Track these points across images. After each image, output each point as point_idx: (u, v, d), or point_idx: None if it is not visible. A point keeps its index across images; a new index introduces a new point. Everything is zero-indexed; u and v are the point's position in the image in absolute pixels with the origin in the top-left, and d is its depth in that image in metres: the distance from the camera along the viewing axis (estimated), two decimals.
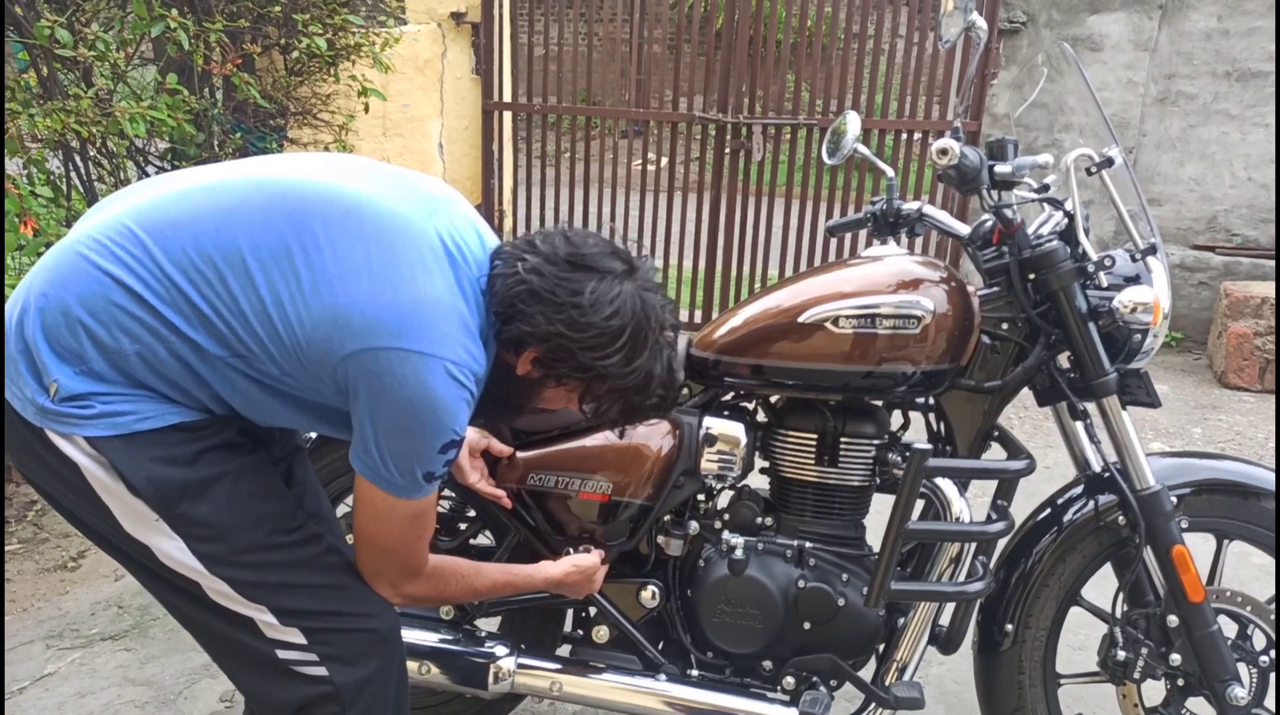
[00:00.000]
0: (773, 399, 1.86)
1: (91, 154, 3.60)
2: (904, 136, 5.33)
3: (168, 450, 1.27)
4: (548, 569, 1.68)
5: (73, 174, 3.57)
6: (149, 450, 1.26)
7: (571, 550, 1.81)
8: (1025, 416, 4.29)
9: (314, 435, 1.84)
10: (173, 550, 1.30)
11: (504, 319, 1.33)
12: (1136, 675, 1.76)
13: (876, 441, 1.78)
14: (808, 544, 1.79)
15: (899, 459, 1.73)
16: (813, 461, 1.78)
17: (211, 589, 1.33)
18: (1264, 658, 1.76)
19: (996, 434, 1.82)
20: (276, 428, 1.46)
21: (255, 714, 1.60)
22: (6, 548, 3.00)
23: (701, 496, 1.86)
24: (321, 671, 1.37)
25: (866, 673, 1.83)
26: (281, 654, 1.36)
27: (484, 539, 2.01)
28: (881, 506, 1.76)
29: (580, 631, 1.92)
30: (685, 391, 1.83)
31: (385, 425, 1.25)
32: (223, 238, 1.24)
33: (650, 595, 1.84)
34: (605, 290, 1.32)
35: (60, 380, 1.23)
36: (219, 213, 1.27)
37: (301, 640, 1.36)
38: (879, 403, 1.81)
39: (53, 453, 1.26)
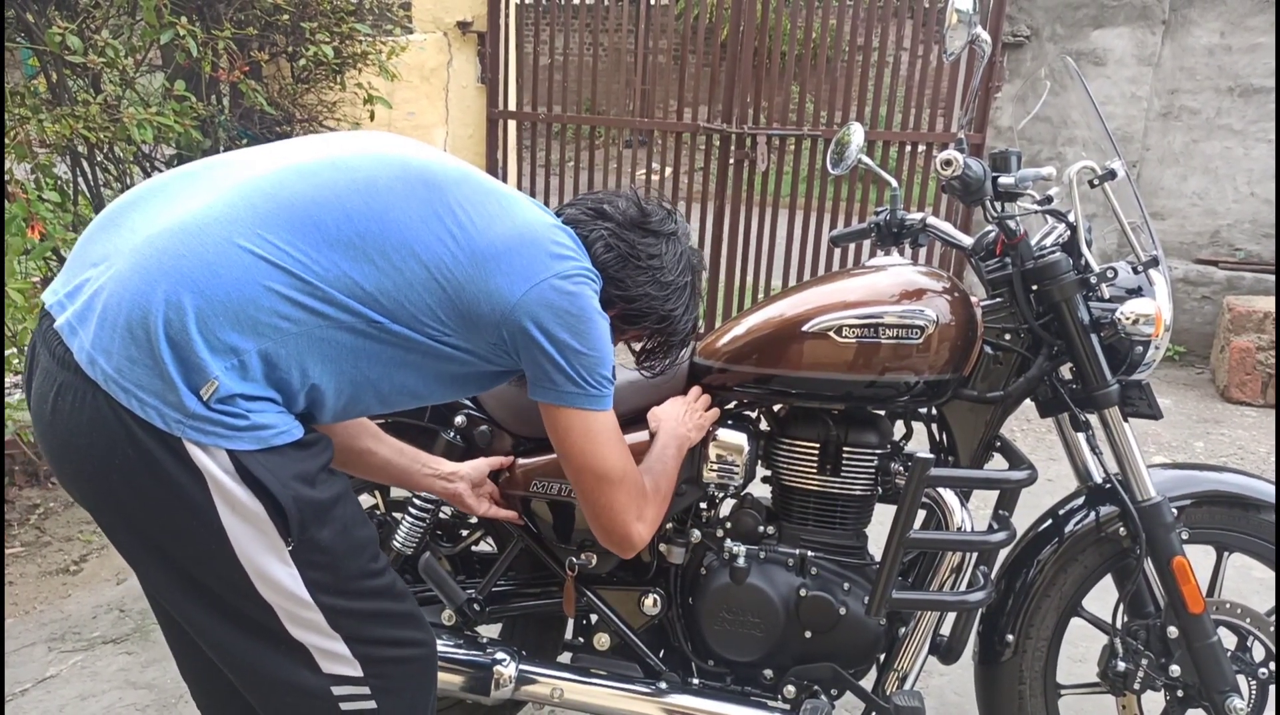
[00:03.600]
0: (775, 408, 1.87)
1: (99, 159, 3.62)
2: (908, 148, 5.35)
3: (298, 466, 1.21)
4: (662, 435, 1.70)
5: (80, 179, 3.59)
6: (285, 466, 1.19)
7: (575, 560, 1.82)
8: (1028, 428, 4.29)
9: None
10: (282, 577, 1.21)
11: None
12: (1136, 686, 1.76)
13: (879, 451, 1.78)
14: (809, 553, 1.79)
15: (901, 468, 1.74)
16: (815, 470, 1.79)
17: (294, 616, 1.24)
18: (1263, 670, 1.77)
19: (998, 444, 1.83)
20: None
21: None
22: (9, 551, 3.01)
23: (703, 505, 1.87)
24: (370, 705, 1.33)
25: (867, 682, 1.83)
26: (336, 689, 1.31)
27: (485, 546, 2.02)
28: (883, 516, 1.76)
29: (581, 639, 1.93)
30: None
31: (572, 346, 1.34)
32: (374, 211, 1.24)
33: (652, 603, 1.85)
34: (673, 251, 1.50)
35: (219, 377, 1.13)
36: (358, 189, 1.25)
37: (358, 673, 1.31)
38: (881, 412, 1.82)
39: (180, 465, 1.14)
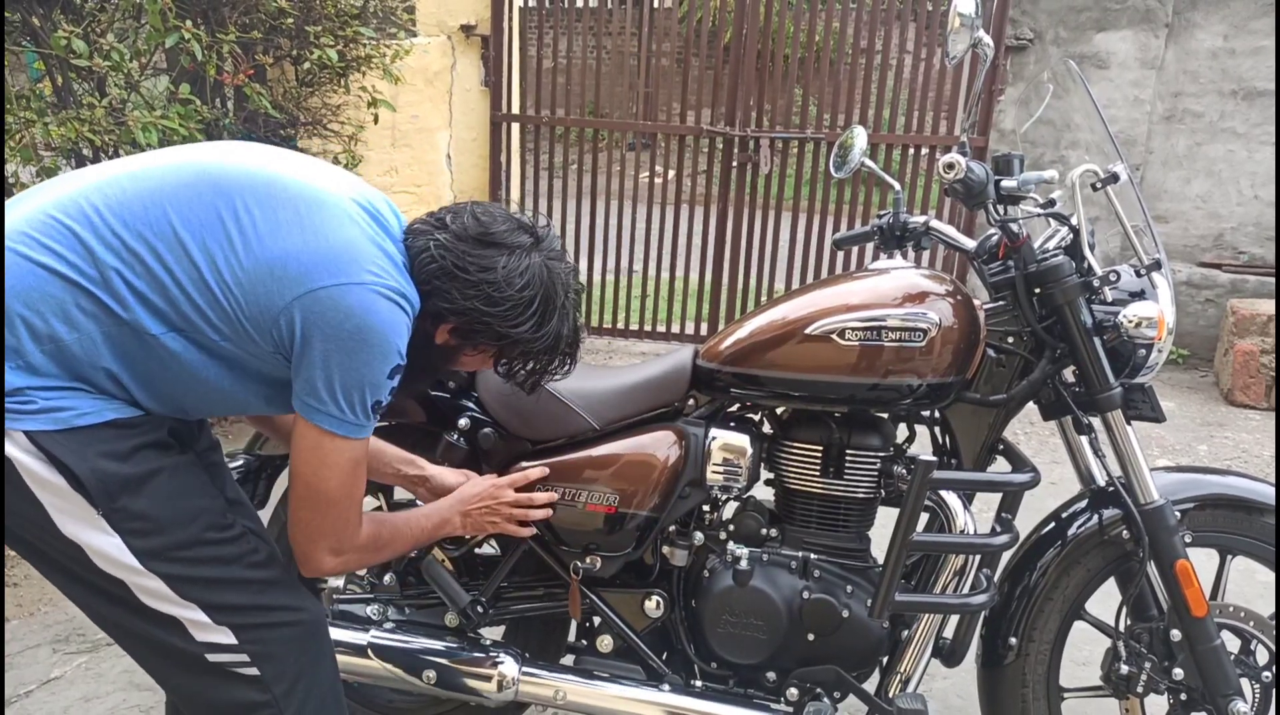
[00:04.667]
0: (778, 410, 1.87)
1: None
2: (911, 151, 5.35)
3: (106, 445, 1.28)
4: (445, 504, 1.70)
5: None
6: (89, 445, 1.26)
7: (580, 564, 1.82)
8: (1031, 432, 4.29)
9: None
10: (108, 547, 1.29)
11: (421, 295, 1.40)
12: (1140, 689, 1.76)
13: (882, 454, 1.78)
14: (812, 555, 1.79)
15: (904, 471, 1.74)
16: (818, 473, 1.79)
17: (142, 588, 1.32)
18: (1266, 673, 1.77)
19: (1001, 447, 1.83)
20: (198, 423, 1.50)
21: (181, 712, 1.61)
22: (13, 552, 3.01)
23: (706, 507, 1.87)
24: (253, 671, 1.38)
25: (870, 685, 1.83)
26: (211, 657, 1.36)
27: (489, 548, 2.02)
28: (886, 519, 1.77)
29: (584, 641, 1.93)
30: (692, 402, 1.84)
31: (335, 359, 1.29)
32: (152, 216, 1.28)
33: (655, 605, 1.85)
34: (515, 264, 1.41)
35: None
36: (145, 193, 1.30)
37: (231, 640, 1.37)
38: (884, 415, 1.82)
39: None
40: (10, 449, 1.24)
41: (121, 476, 1.28)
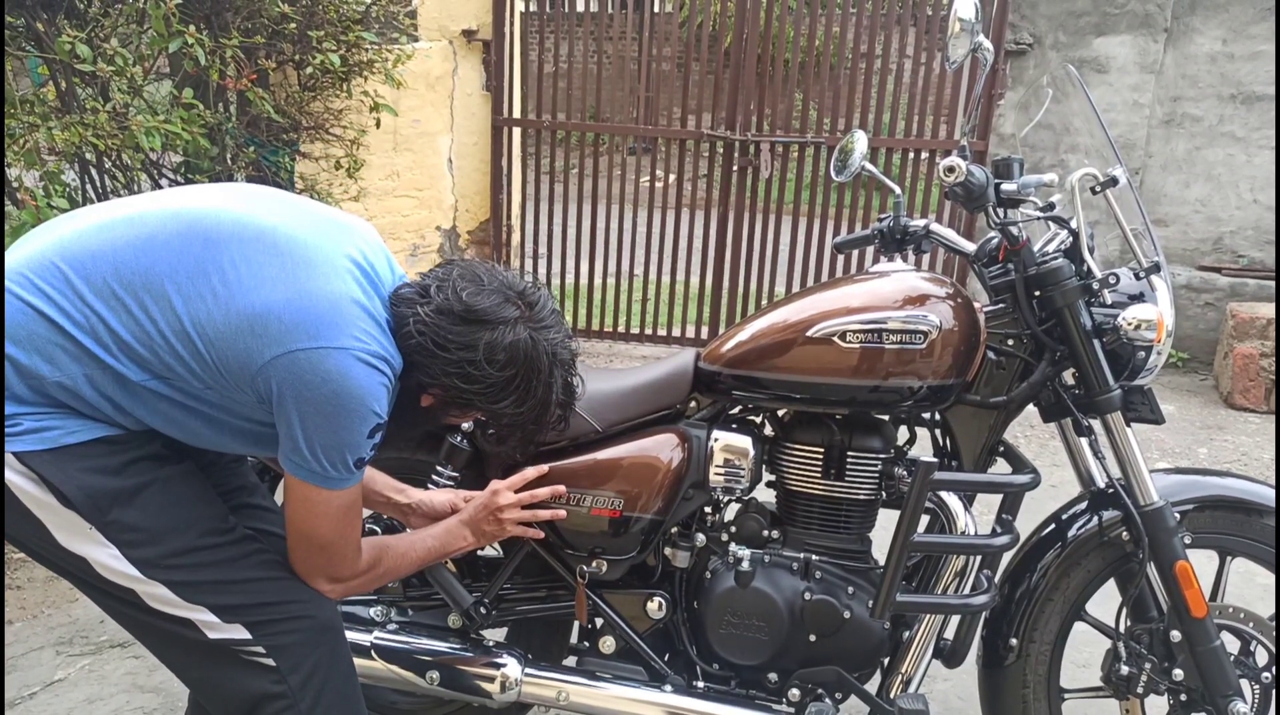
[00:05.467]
0: (780, 412, 1.88)
1: (107, 167, 3.63)
2: (911, 155, 5.36)
3: (95, 461, 1.31)
4: (450, 522, 1.71)
5: (89, 187, 3.61)
6: (77, 462, 1.30)
7: (586, 567, 1.83)
8: (1031, 435, 4.29)
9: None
10: (107, 559, 1.33)
11: (404, 364, 1.40)
12: (1140, 690, 1.77)
13: (883, 456, 1.79)
14: (814, 557, 1.80)
15: (905, 473, 1.75)
16: (819, 475, 1.80)
17: (149, 595, 1.35)
18: (1266, 674, 1.77)
19: (1002, 449, 1.84)
20: None
21: (205, 711, 1.63)
22: (17, 555, 3.02)
23: (708, 509, 1.88)
24: (270, 662, 1.41)
25: (872, 686, 1.84)
26: (230, 648, 1.40)
27: (492, 550, 2.03)
28: (887, 520, 1.77)
29: (587, 642, 1.94)
30: (693, 404, 1.85)
31: (313, 421, 1.30)
32: (141, 265, 1.30)
33: (657, 606, 1.86)
34: (497, 341, 1.38)
35: None
36: (138, 242, 1.32)
37: (246, 635, 1.40)
38: (885, 417, 1.83)
39: None
40: (4, 470, 1.28)
41: (111, 491, 1.31)
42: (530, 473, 1.77)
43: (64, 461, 1.29)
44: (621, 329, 5.75)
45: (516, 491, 1.75)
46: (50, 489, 1.29)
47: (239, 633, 1.39)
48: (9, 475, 1.28)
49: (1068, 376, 1.77)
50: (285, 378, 1.28)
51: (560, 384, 1.47)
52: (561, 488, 1.77)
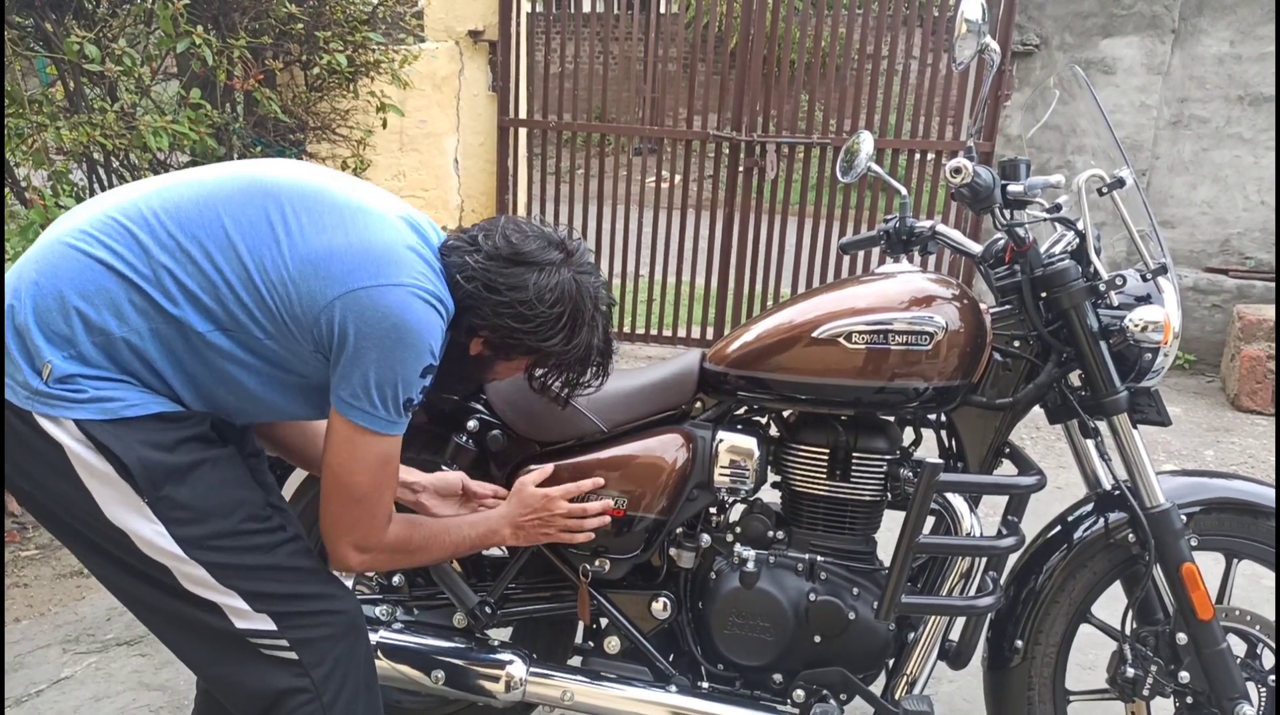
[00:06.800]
0: (785, 413, 1.88)
1: (115, 167, 3.65)
2: (917, 156, 5.36)
3: (152, 435, 1.33)
4: (492, 516, 1.72)
5: (96, 186, 3.62)
6: (136, 435, 1.31)
7: (589, 566, 1.83)
8: (1038, 437, 4.29)
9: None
10: (151, 535, 1.33)
11: (456, 310, 1.45)
12: (1145, 693, 1.76)
13: (888, 457, 1.79)
14: (819, 558, 1.80)
15: (910, 474, 1.75)
16: (824, 476, 1.80)
17: (185, 574, 1.36)
18: (1272, 676, 1.77)
19: (1008, 451, 1.84)
20: (240, 429, 1.54)
21: (218, 709, 1.63)
22: (24, 553, 3.04)
23: (713, 509, 1.88)
24: (292, 655, 1.42)
25: (876, 687, 1.84)
26: (252, 640, 1.41)
27: (497, 550, 2.03)
28: (892, 521, 1.77)
29: (591, 642, 1.94)
30: (699, 405, 1.85)
31: (371, 356, 1.34)
32: (205, 218, 1.35)
33: (661, 607, 1.86)
34: (545, 281, 1.46)
35: (53, 362, 1.28)
36: (199, 198, 1.37)
37: (271, 626, 1.41)
38: (891, 418, 1.83)
39: (39, 436, 1.30)
40: (61, 436, 1.29)
41: (166, 466, 1.33)
42: (585, 485, 1.76)
43: (123, 433, 1.30)
44: (627, 329, 5.75)
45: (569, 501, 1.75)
46: (110, 458, 1.29)
47: (265, 624, 1.40)
48: (68, 441, 1.29)
49: (1074, 378, 1.76)
50: (347, 315, 1.33)
51: (601, 330, 1.54)
52: (609, 503, 1.77)
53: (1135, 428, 1.73)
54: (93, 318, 1.30)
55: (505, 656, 1.86)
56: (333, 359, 1.37)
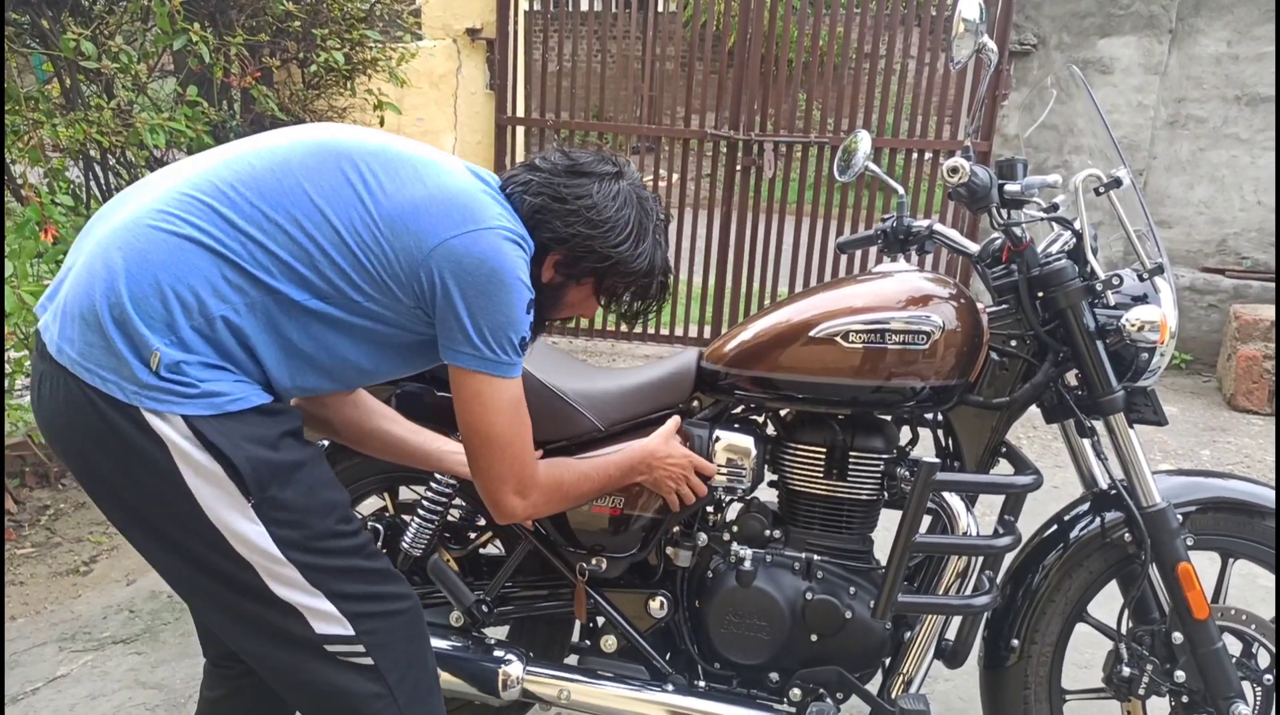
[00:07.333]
0: (782, 412, 1.88)
1: (111, 164, 3.65)
2: (914, 155, 5.36)
3: (256, 430, 1.30)
4: (635, 450, 1.72)
5: (92, 183, 3.62)
6: (241, 430, 1.28)
7: (586, 565, 1.83)
8: (1034, 436, 4.29)
9: (326, 443, 1.85)
10: (253, 535, 1.30)
11: (528, 230, 1.46)
12: (1141, 692, 1.77)
13: (885, 456, 1.79)
14: (815, 556, 1.80)
15: (907, 473, 1.75)
16: (821, 475, 1.80)
17: (276, 575, 1.33)
18: (1268, 676, 1.77)
19: (1004, 450, 1.84)
20: None
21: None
22: (21, 552, 3.03)
23: (710, 508, 1.88)
24: (368, 661, 1.40)
25: (873, 686, 1.84)
26: (330, 647, 1.38)
27: (494, 548, 2.03)
28: (889, 520, 1.77)
29: (588, 641, 1.94)
30: (696, 403, 1.85)
31: (477, 303, 1.36)
32: (285, 187, 1.33)
33: (658, 606, 1.86)
34: (607, 189, 1.50)
35: (160, 349, 1.24)
36: (274, 167, 1.35)
37: (349, 631, 1.38)
38: (888, 417, 1.83)
39: (142, 432, 1.25)
40: (167, 432, 1.25)
41: (272, 465, 1.30)
42: (710, 467, 1.77)
43: (230, 429, 1.27)
44: (624, 328, 5.75)
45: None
46: (218, 457, 1.26)
47: (343, 628, 1.38)
48: (175, 438, 1.25)
49: (1070, 378, 1.76)
50: (444, 266, 1.34)
51: (662, 244, 1.57)
52: (724, 479, 1.79)
53: (1132, 427, 1.73)
54: (189, 300, 1.26)
55: (502, 655, 1.86)
56: (436, 312, 1.37)
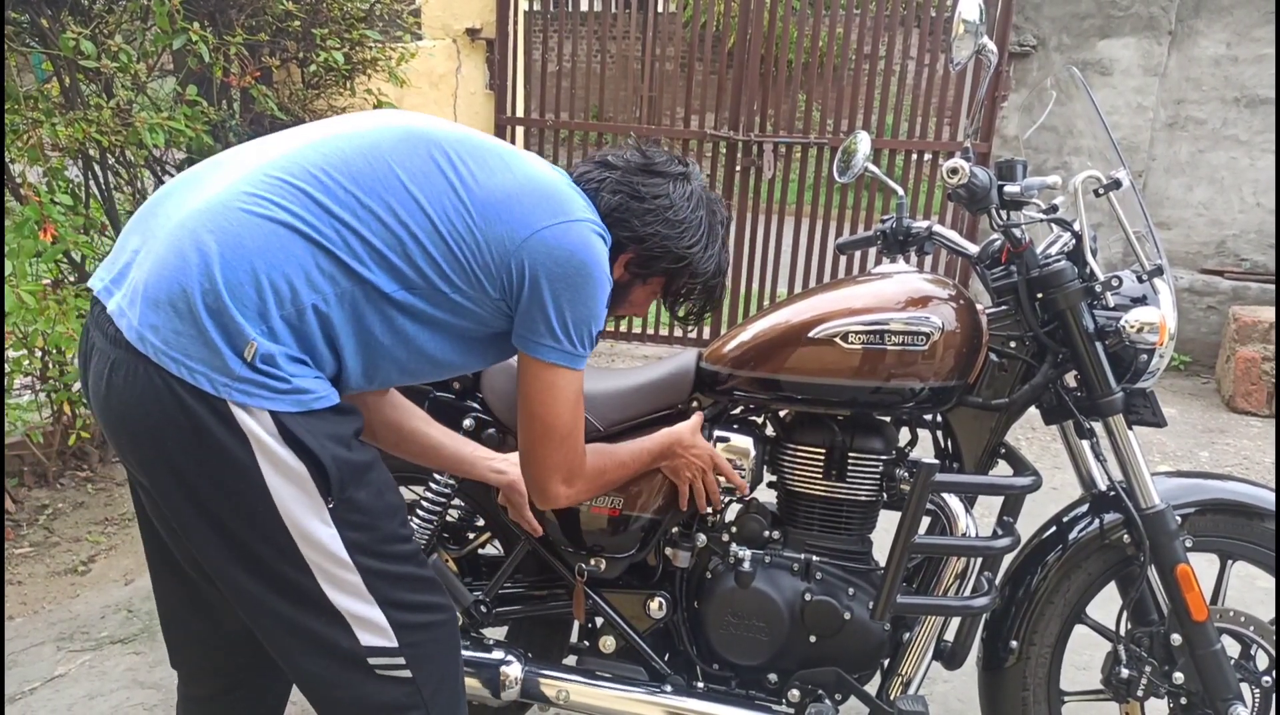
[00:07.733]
0: (781, 413, 1.88)
1: (111, 163, 3.64)
2: (914, 157, 5.36)
3: (336, 428, 1.27)
4: (665, 437, 1.71)
5: (91, 183, 3.62)
6: (325, 428, 1.25)
7: (585, 566, 1.83)
8: (1033, 437, 4.29)
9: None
10: (323, 537, 1.26)
11: (607, 228, 1.46)
12: (1140, 693, 1.76)
13: (884, 457, 1.79)
14: (814, 557, 1.80)
15: (906, 474, 1.75)
16: (820, 476, 1.80)
17: (335, 581, 1.28)
18: (1266, 678, 1.77)
19: (1003, 451, 1.84)
20: None
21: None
22: (19, 551, 3.03)
23: (710, 509, 1.88)
24: (407, 674, 1.36)
25: (871, 687, 1.84)
26: (372, 659, 1.34)
27: (492, 549, 2.03)
28: (888, 522, 1.77)
29: (587, 642, 1.94)
30: (695, 404, 1.85)
31: (565, 296, 1.36)
32: (378, 171, 1.30)
33: (657, 606, 1.86)
34: (681, 190, 1.52)
35: (257, 340, 1.19)
36: (364, 150, 1.31)
37: (393, 644, 1.34)
38: (887, 418, 1.83)
39: (225, 425, 1.19)
40: (253, 427, 1.20)
41: (350, 465, 1.28)
42: (734, 475, 1.78)
43: (315, 428, 1.23)
44: (623, 328, 5.75)
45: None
46: (305, 456, 1.22)
47: (387, 640, 1.33)
48: (261, 434, 1.20)
49: (1070, 379, 1.76)
50: (536, 257, 1.33)
51: (727, 249, 1.59)
52: (745, 484, 1.79)
53: (1131, 429, 1.73)
54: (283, 288, 1.21)
55: (501, 655, 1.86)
56: (521, 303, 1.36)
